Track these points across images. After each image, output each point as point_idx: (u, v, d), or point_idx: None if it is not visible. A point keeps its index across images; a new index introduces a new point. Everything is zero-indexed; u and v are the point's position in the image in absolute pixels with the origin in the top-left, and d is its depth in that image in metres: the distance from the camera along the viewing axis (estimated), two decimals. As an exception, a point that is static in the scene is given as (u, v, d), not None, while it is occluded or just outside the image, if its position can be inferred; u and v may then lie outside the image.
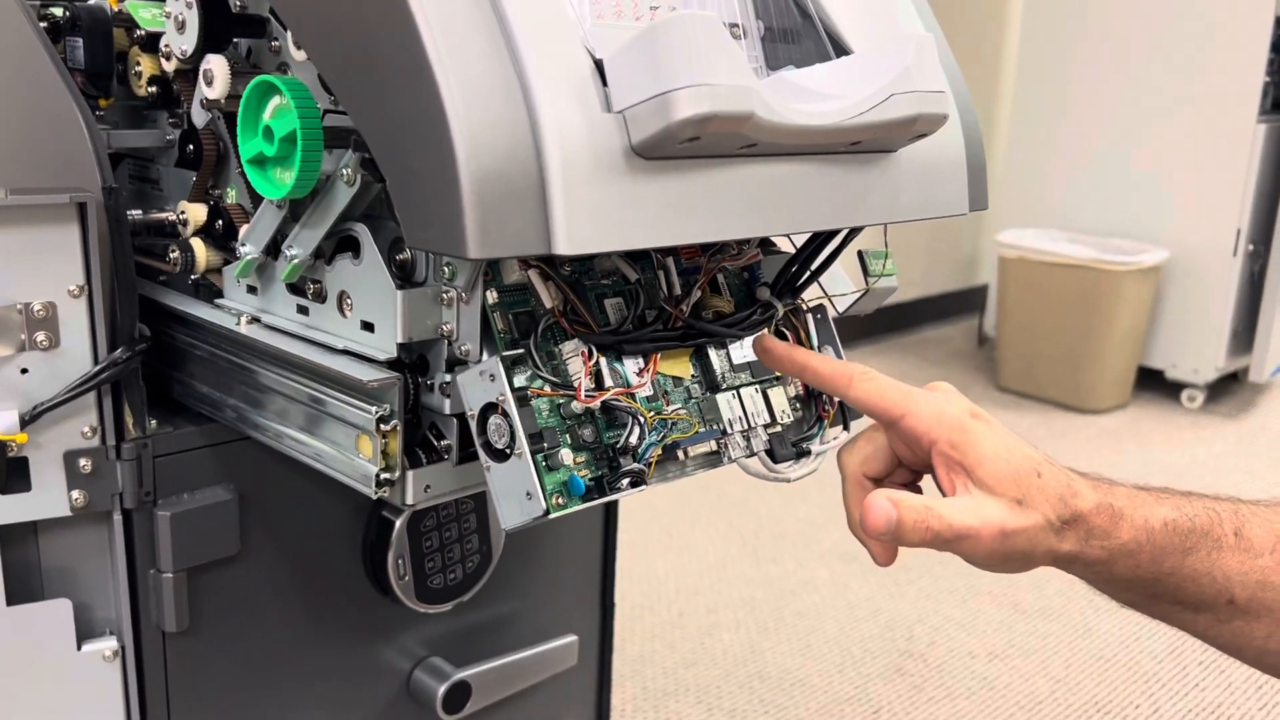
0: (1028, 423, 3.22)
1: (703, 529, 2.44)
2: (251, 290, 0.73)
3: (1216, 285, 3.27)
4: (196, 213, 0.77)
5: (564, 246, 0.50)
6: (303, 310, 0.69)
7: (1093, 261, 3.21)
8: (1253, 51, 3.09)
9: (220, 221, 0.76)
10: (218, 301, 0.75)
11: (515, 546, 0.97)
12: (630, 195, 0.52)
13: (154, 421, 0.75)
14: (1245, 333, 3.36)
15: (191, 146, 0.77)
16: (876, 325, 3.90)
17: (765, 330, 0.71)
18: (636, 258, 0.68)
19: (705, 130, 0.52)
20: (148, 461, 0.74)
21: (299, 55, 0.65)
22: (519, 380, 0.60)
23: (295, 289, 0.69)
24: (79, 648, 0.74)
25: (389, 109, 0.51)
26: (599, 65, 0.53)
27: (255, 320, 0.71)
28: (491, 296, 0.61)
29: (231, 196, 0.77)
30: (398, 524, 0.86)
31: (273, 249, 0.69)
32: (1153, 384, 3.43)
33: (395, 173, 0.51)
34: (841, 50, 0.69)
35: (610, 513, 1.07)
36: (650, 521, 2.45)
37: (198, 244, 0.77)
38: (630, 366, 0.65)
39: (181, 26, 0.70)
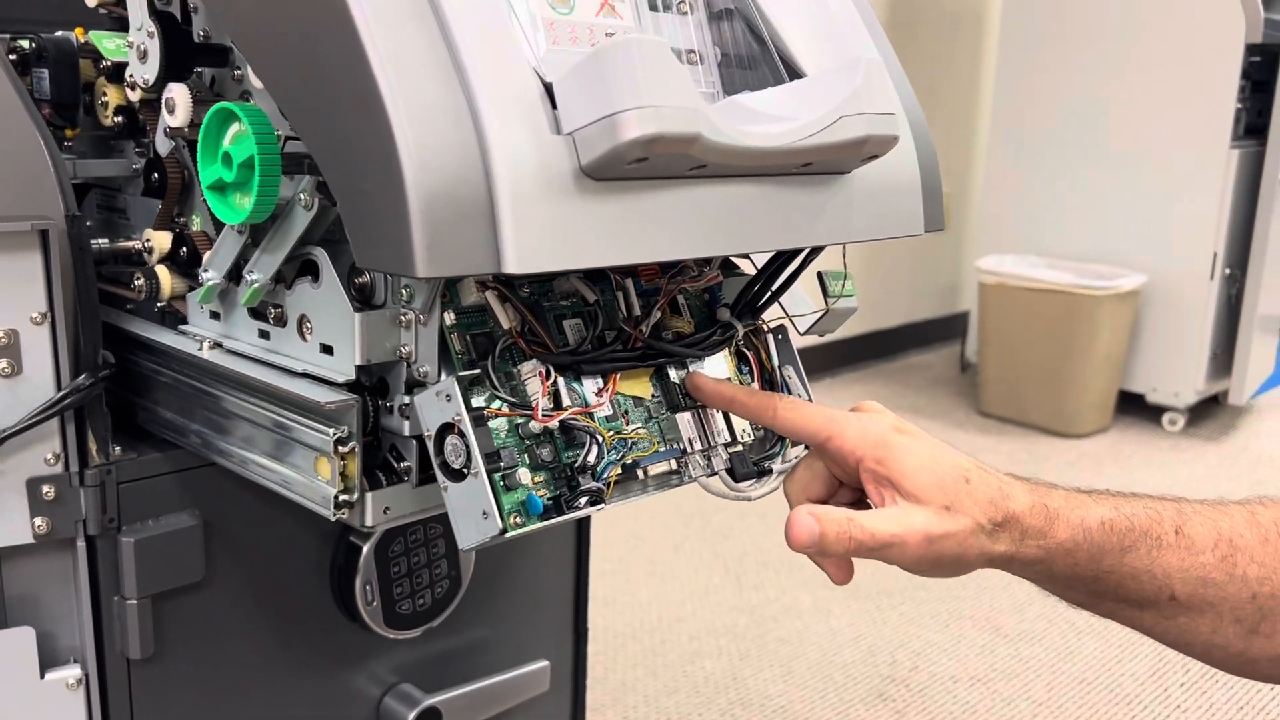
0: (1010, 447, 3.23)
1: (686, 557, 2.44)
2: (215, 316, 0.73)
3: (1194, 309, 3.29)
4: (161, 240, 0.77)
5: (513, 265, 0.50)
6: (264, 335, 0.69)
7: (1071, 286, 3.23)
8: (1225, 79, 3.13)
9: (185, 249, 0.76)
10: (181, 328, 0.75)
11: (486, 571, 0.97)
12: (580, 215, 0.53)
13: (118, 448, 0.75)
14: (1224, 356, 3.38)
15: (156, 175, 0.78)
16: (860, 352, 3.91)
17: (696, 370, 0.72)
18: (595, 279, 0.69)
19: (653, 151, 0.53)
20: (111, 488, 0.74)
21: (260, 83, 0.66)
22: (477, 401, 0.61)
23: (257, 314, 0.70)
24: (42, 676, 0.74)
25: (339, 131, 0.51)
26: (549, 89, 0.54)
27: (217, 345, 0.71)
28: (449, 318, 0.62)
29: (196, 224, 0.77)
30: (365, 549, 0.86)
31: (235, 275, 0.70)
32: (1134, 408, 3.45)
33: (346, 194, 0.52)
34: (796, 75, 0.71)
35: (582, 537, 1.07)
36: (634, 550, 2.45)
37: (162, 271, 0.77)
38: (589, 387, 0.66)
39: (144, 56, 0.71)
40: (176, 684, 0.80)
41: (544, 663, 1.01)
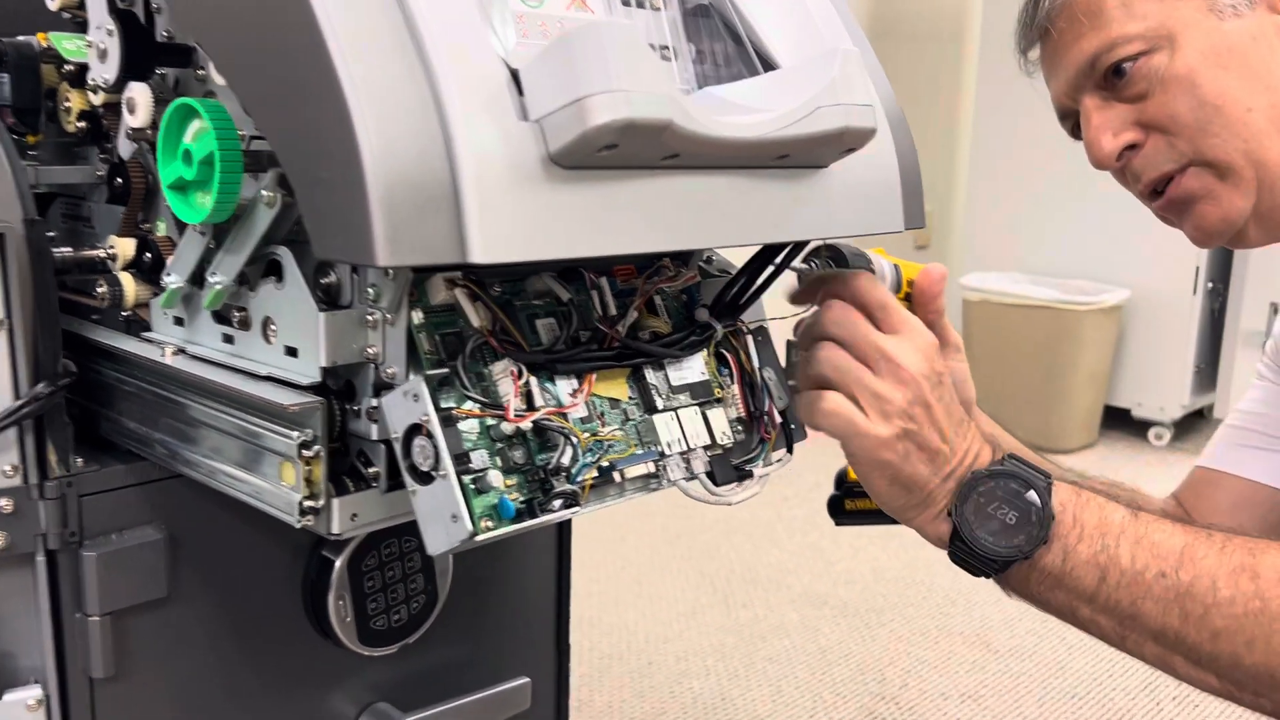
0: (997, 464, 3.22)
1: (674, 577, 2.42)
2: (178, 322, 0.71)
3: (1178, 323, 3.30)
4: (125, 247, 0.75)
5: (479, 255, 0.49)
6: (228, 339, 0.67)
7: (1054, 302, 3.24)
8: (1203, 93, 3.14)
9: (149, 255, 0.75)
10: (144, 335, 0.73)
11: (464, 587, 0.94)
12: (548, 204, 0.51)
13: (79, 460, 0.72)
14: (1208, 370, 3.38)
15: (119, 179, 0.76)
16: (845, 371, 3.90)
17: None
18: (570, 278, 0.67)
19: (623, 138, 0.51)
20: (73, 501, 0.71)
21: (223, 81, 0.64)
22: (446, 402, 0.59)
23: (221, 317, 0.68)
24: (1, 697, 0.71)
25: (299, 120, 0.50)
26: (515, 75, 0.53)
27: (181, 351, 0.69)
28: (417, 317, 0.60)
29: (161, 229, 0.75)
30: (338, 563, 0.83)
31: (198, 278, 0.68)
32: (1120, 423, 3.45)
33: (306, 184, 0.50)
34: (771, 68, 0.69)
35: (563, 549, 1.05)
36: (621, 571, 2.43)
37: (126, 278, 0.75)
38: (564, 387, 0.64)
39: (103, 55, 0.69)
40: (141, 704, 0.77)
41: (524, 680, 0.99)
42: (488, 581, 0.98)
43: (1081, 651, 2.10)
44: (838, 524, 0.84)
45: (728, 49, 0.72)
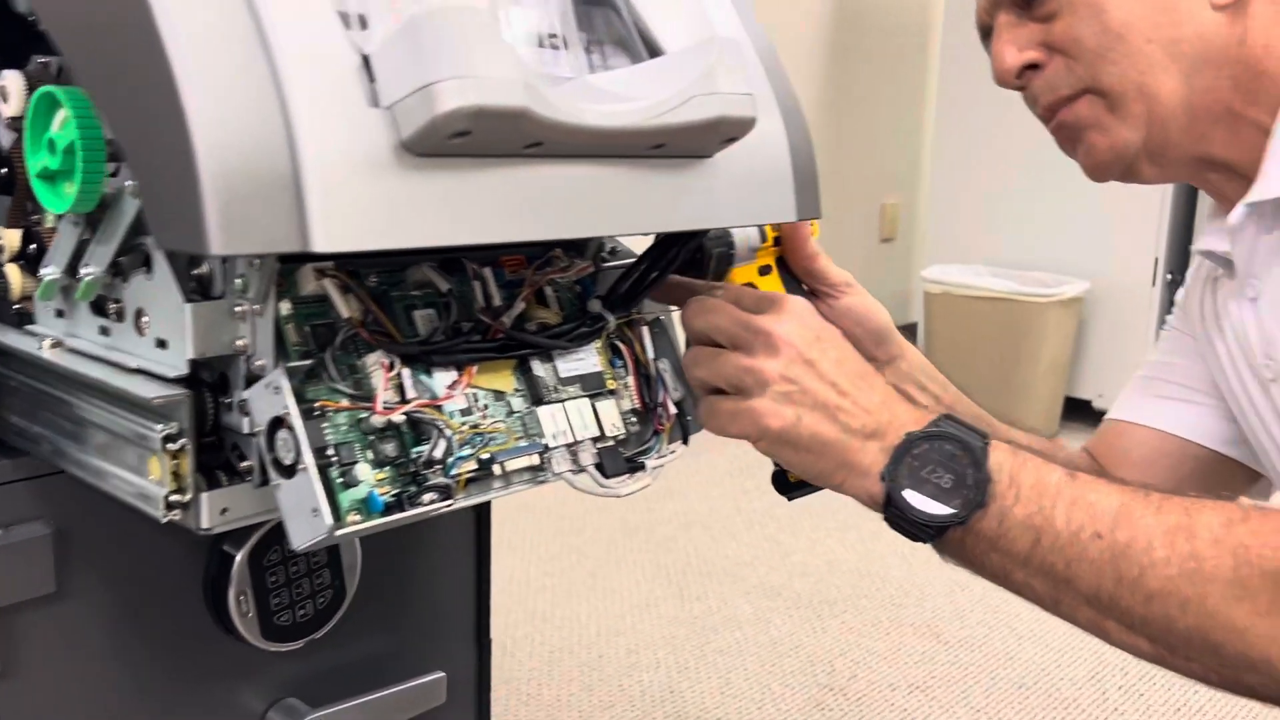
0: (957, 455, 3.23)
1: (629, 570, 2.41)
2: (60, 314, 0.70)
3: (1138, 315, 3.31)
4: (11, 238, 0.74)
5: (321, 243, 0.48)
6: (104, 331, 0.66)
7: (1015, 294, 3.25)
8: (1161, 85, 3.15)
9: (34, 246, 0.73)
10: (27, 328, 0.72)
11: (376, 581, 0.94)
12: (399, 192, 0.51)
13: (-39, 455, 0.71)
14: (1167, 361, 3.40)
15: (5, 169, 0.75)
16: (809, 363, 3.90)
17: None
18: (452, 270, 0.66)
19: (474, 124, 0.51)
20: (-46, 497, 0.70)
21: (92, 68, 0.63)
22: (314, 394, 0.58)
23: (98, 309, 0.67)
24: (-119, 697, 0.70)
25: (136, 108, 0.49)
26: (366, 60, 0.52)
27: (59, 344, 0.68)
28: (285, 308, 0.59)
29: (49, 220, 0.74)
30: (238, 558, 0.82)
31: (74, 270, 0.67)
32: (1080, 414, 3.46)
33: (145, 173, 0.49)
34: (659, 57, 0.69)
35: (482, 542, 1.04)
36: (576, 565, 2.42)
37: (12, 270, 0.74)
38: (442, 379, 0.63)
39: (-25, 42, 0.68)
40: (33, 705, 0.76)
41: (439, 674, 0.98)
42: (402, 575, 0.97)
43: (1030, 642, 2.11)
44: (789, 499, 0.83)
45: (618, 38, 0.71)
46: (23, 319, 0.78)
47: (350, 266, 0.61)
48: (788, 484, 0.82)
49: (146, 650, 0.82)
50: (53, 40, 0.62)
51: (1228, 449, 0.99)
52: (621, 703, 1.88)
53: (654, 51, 0.69)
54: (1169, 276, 3.32)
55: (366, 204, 0.50)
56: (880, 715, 1.86)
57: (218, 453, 0.64)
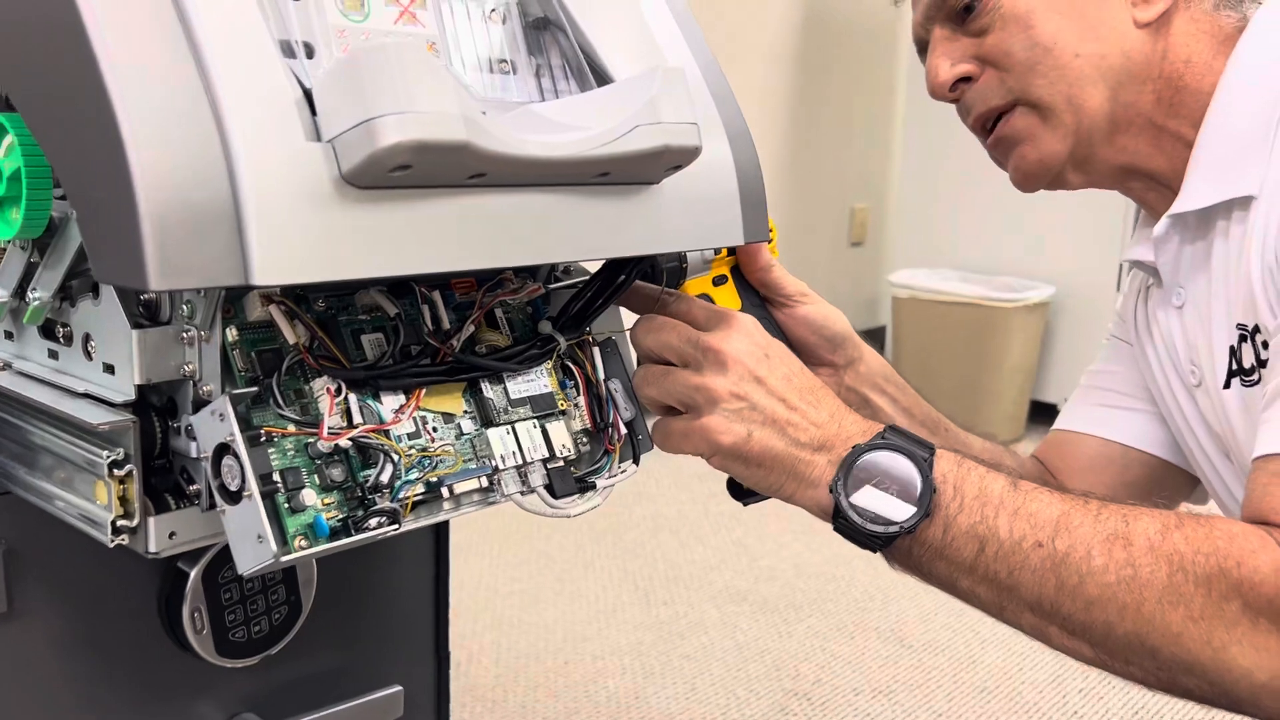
0: (925, 459, 3.25)
1: (596, 575, 2.42)
2: (9, 336, 0.70)
3: (1102, 320, 3.34)
4: (-40, 259, 0.74)
5: (260, 276, 0.48)
6: (53, 355, 0.66)
7: (981, 299, 3.27)
8: (1125, 93, 3.19)
9: (-16, 267, 0.74)
10: (-24, 349, 0.72)
11: (332, 596, 0.94)
12: (340, 224, 0.51)
13: (-89, 476, 0.71)
14: (1132, 365, 3.44)
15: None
16: (779, 367, 3.91)
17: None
18: (400, 293, 0.67)
19: (415, 158, 0.51)
20: (-98, 518, 0.70)
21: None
22: (260, 420, 0.59)
23: (47, 333, 0.67)
24: None
25: (74, 140, 0.49)
26: (308, 94, 0.52)
27: (6, 366, 0.68)
28: (231, 334, 0.60)
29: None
30: (192, 575, 0.83)
31: (22, 293, 0.67)
32: (1046, 417, 3.49)
33: (83, 205, 0.50)
34: (608, 84, 0.70)
35: (441, 556, 1.05)
36: (543, 570, 2.42)
37: (-40, 291, 0.74)
38: (389, 403, 0.64)
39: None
40: (-17, 722, 0.76)
41: (396, 688, 0.99)
42: (359, 589, 0.98)
43: (993, 646, 2.13)
44: (744, 504, 0.84)
45: (567, 64, 0.72)
46: (-23, 339, 0.78)
47: (296, 293, 0.62)
48: (742, 491, 0.83)
49: (101, 668, 0.82)
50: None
51: (1169, 455, 1.01)
52: (587, 709, 1.89)
53: (601, 78, 0.70)
54: (1133, 282, 3.36)
55: (307, 237, 0.50)
56: (844, 720, 1.88)
57: (167, 475, 0.64)
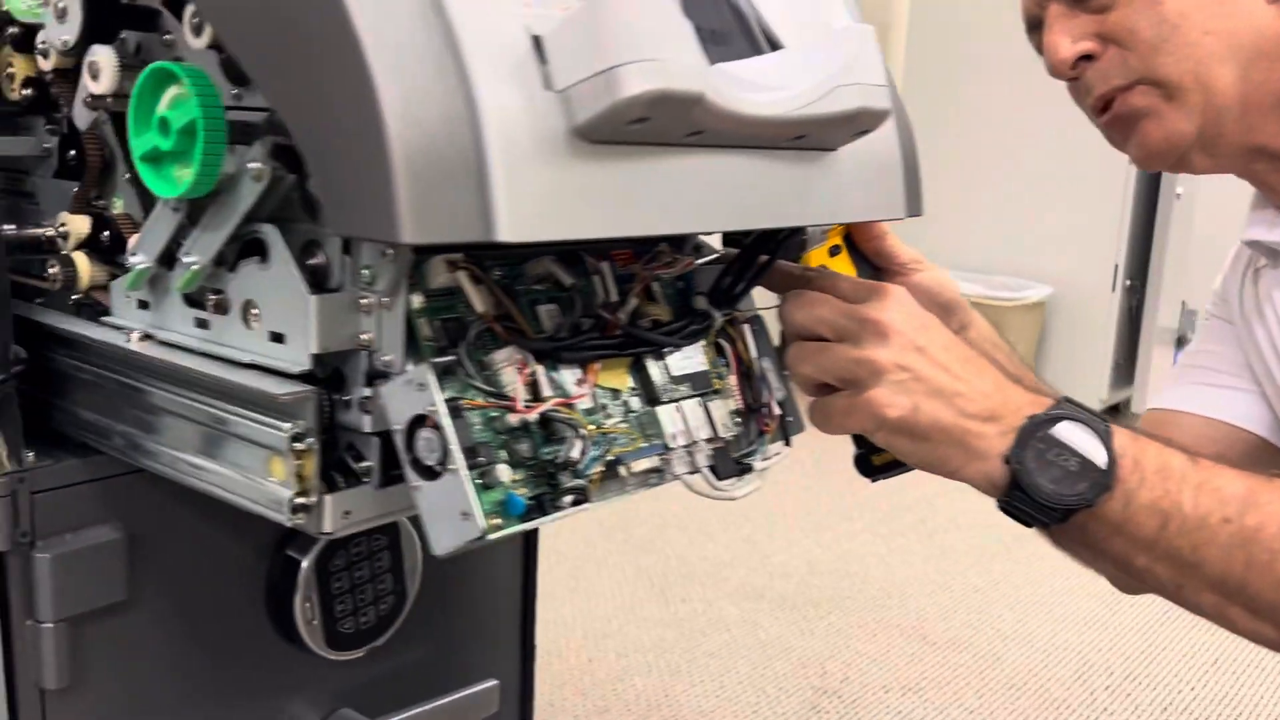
0: (924, 457, 3.26)
1: (610, 571, 2.39)
2: (143, 305, 0.66)
3: (1098, 320, 3.37)
4: (78, 225, 0.70)
5: (506, 233, 0.45)
6: (202, 324, 0.62)
7: (979, 298, 3.28)
8: (1123, 94, 3.21)
9: (106, 233, 0.69)
10: (105, 320, 0.68)
11: (430, 586, 0.90)
12: (574, 181, 0.48)
13: (31, 454, 0.67)
14: (1127, 365, 3.47)
15: (74, 152, 0.71)
16: (773, 365, 3.91)
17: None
18: (570, 262, 0.64)
19: (654, 111, 0.48)
20: (24, 498, 0.66)
21: (196, 43, 0.60)
22: (449, 391, 0.55)
23: (193, 301, 0.63)
24: (-58, 712, 0.66)
25: (309, 83, 0.46)
26: (537, 41, 0.49)
27: (148, 337, 0.64)
28: (417, 301, 0.56)
29: (118, 206, 0.70)
30: (304, 563, 0.79)
31: (167, 259, 0.63)
32: (1041, 416, 3.51)
33: (318, 155, 0.46)
34: (774, 46, 0.67)
35: (530, 549, 1.01)
36: (555, 565, 2.39)
37: (80, 258, 0.70)
38: (568, 377, 0.61)
39: (62, 14, 0.64)
40: (97, 716, 0.72)
41: (493, 682, 0.95)
42: (456, 582, 0.94)
43: (1016, 643, 2.13)
44: (873, 480, 0.80)
45: (726, 24, 0.69)
46: (80, 309, 0.73)
47: (476, 258, 0.58)
48: (873, 467, 0.80)
49: (208, 660, 0.78)
50: (172, 20, 0.59)
51: (1271, 435, 1.00)
52: (617, 707, 1.86)
53: (768, 38, 0.67)
54: (1128, 283, 3.39)
55: (545, 193, 0.47)
56: (877, 718, 1.86)
57: (330, 452, 0.60)
